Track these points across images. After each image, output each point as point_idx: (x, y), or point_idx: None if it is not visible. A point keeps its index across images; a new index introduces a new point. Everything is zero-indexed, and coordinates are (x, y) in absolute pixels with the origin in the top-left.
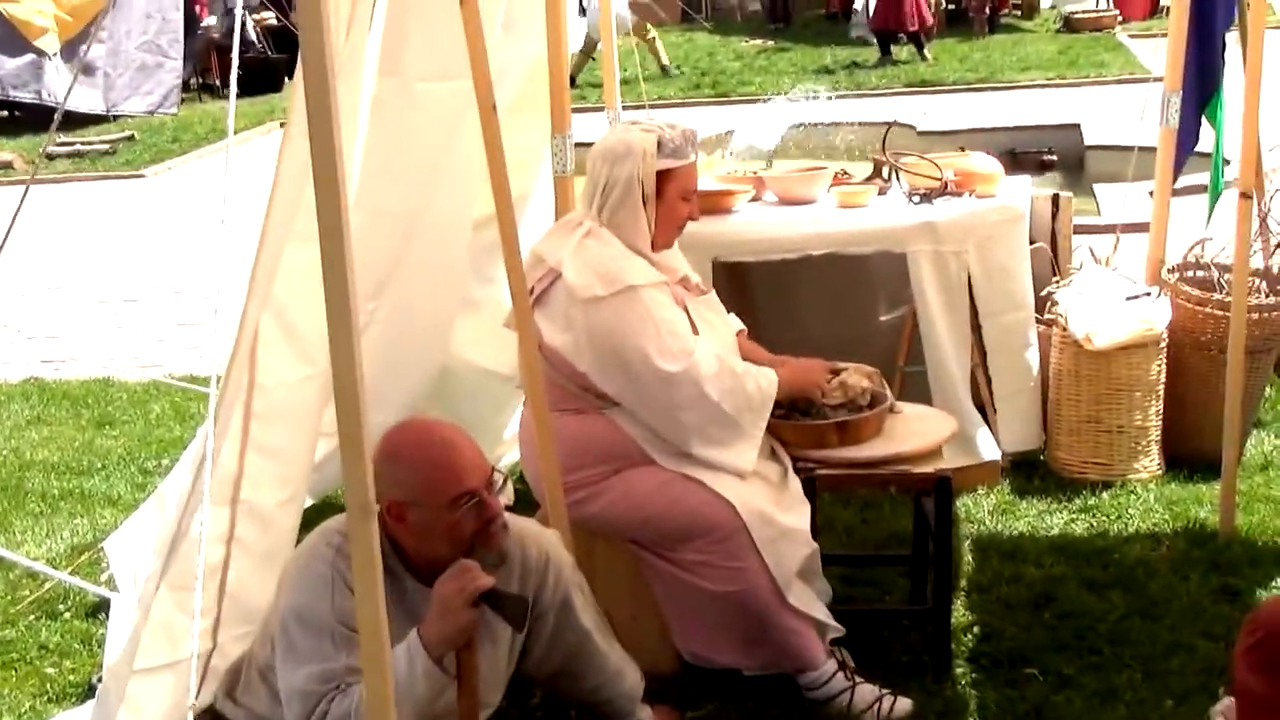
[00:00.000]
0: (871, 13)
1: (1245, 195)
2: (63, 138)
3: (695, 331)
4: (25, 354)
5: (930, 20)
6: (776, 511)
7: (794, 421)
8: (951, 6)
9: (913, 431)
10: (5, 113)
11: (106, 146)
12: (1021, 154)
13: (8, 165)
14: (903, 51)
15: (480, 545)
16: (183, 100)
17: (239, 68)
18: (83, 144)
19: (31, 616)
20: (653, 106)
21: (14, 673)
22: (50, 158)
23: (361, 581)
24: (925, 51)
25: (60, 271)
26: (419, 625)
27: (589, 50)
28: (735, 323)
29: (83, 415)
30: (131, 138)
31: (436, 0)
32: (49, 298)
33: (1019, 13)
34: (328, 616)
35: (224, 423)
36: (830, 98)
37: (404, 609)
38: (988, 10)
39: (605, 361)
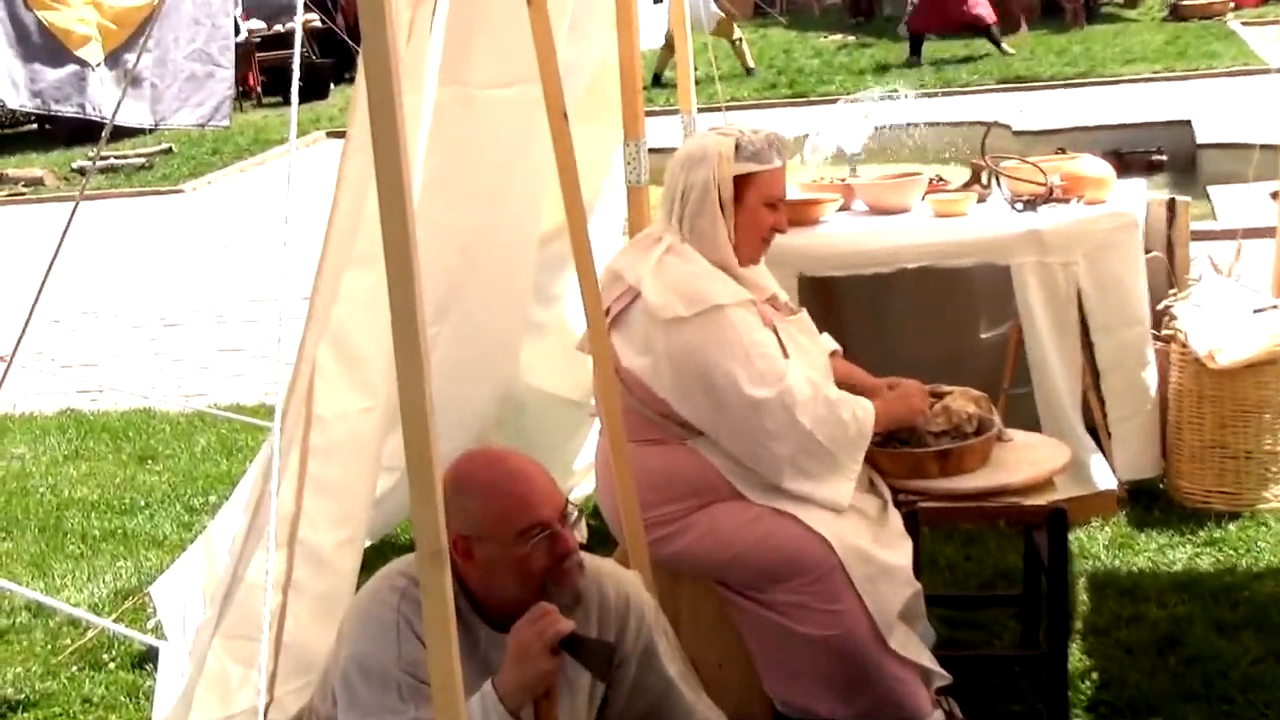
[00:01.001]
0: (909, 13)
1: None
2: (99, 151)
3: (785, 355)
4: (61, 384)
5: (990, 15)
6: (876, 548)
7: (892, 449)
8: None
9: (1022, 460)
10: (35, 126)
11: (142, 160)
12: (1127, 154)
13: (38, 182)
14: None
15: (553, 584)
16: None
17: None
18: (117, 158)
19: (74, 667)
20: (728, 109)
21: None
22: (82, 173)
23: (433, 632)
24: (1002, 45)
25: (96, 295)
26: (494, 675)
27: (672, 44)
28: (829, 343)
29: (123, 449)
30: (169, 150)
31: (500, 2)
32: (84, 323)
33: (1120, 0)
34: (393, 667)
35: (281, 460)
36: (916, 96)
37: (477, 658)
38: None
39: (688, 386)
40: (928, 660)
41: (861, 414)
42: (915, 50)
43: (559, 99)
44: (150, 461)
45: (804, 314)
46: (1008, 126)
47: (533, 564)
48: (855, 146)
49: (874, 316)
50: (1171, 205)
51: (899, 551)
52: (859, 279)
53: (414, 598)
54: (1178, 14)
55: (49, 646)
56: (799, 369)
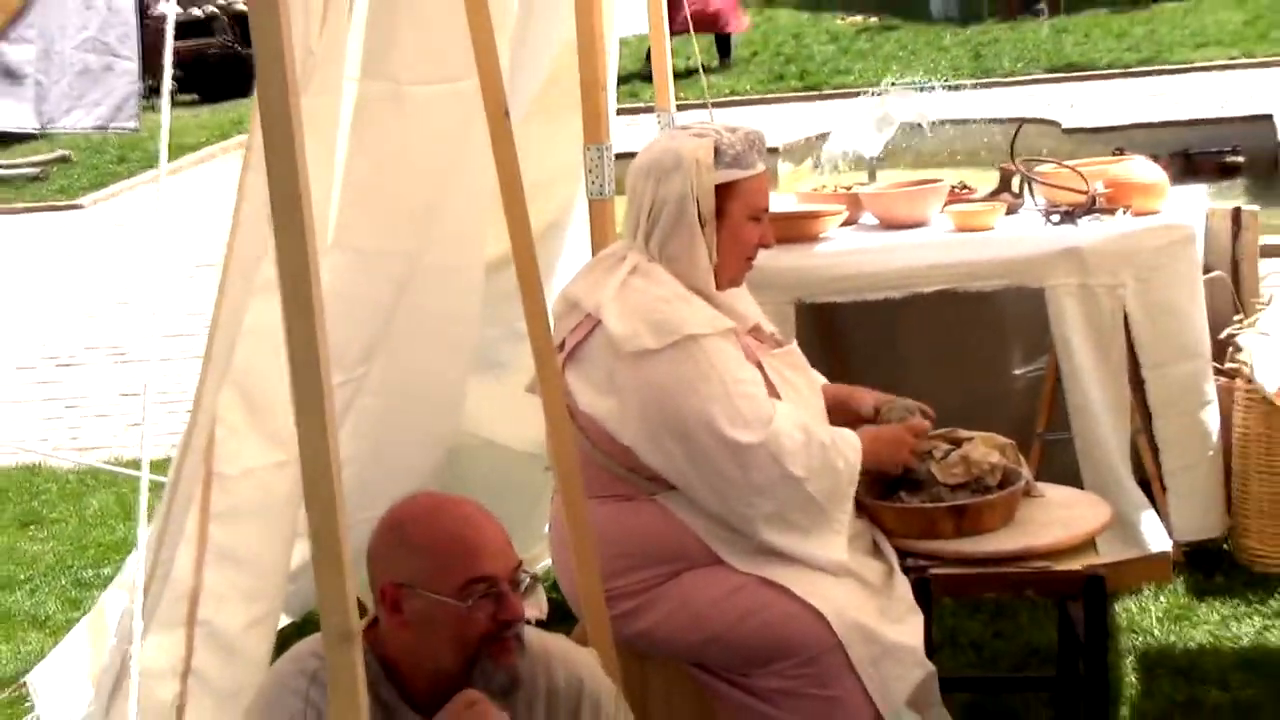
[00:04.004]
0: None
1: None
2: None
3: (774, 393)
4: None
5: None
6: (880, 623)
7: (900, 505)
8: None
9: (1054, 519)
10: None
11: (35, 170)
12: (1198, 155)
13: None
14: (1044, 27)
15: (488, 658)
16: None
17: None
18: (4, 167)
19: None
20: (719, 105)
21: None
22: None
23: (340, 709)
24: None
25: None
26: None
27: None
28: (817, 377)
29: (3, 512)
30: (66, 159)
31: None
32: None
33: None
34: None
35: (175, 524)
36: (949, 89)
37: None
38: None
39: (657, 431)
40: None
41: (853, 457)
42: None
43: (499, 93)
44: (34, 527)
45: (794, 346)
46: (1057, 124)
47: (471, 626)
48: (875, 149)
49: (885, 350)
50: (1237, 216)
51: (907, 627)
52: (866, 305)
53: (325, 681)
54: None
55: None
56: (788, 410)
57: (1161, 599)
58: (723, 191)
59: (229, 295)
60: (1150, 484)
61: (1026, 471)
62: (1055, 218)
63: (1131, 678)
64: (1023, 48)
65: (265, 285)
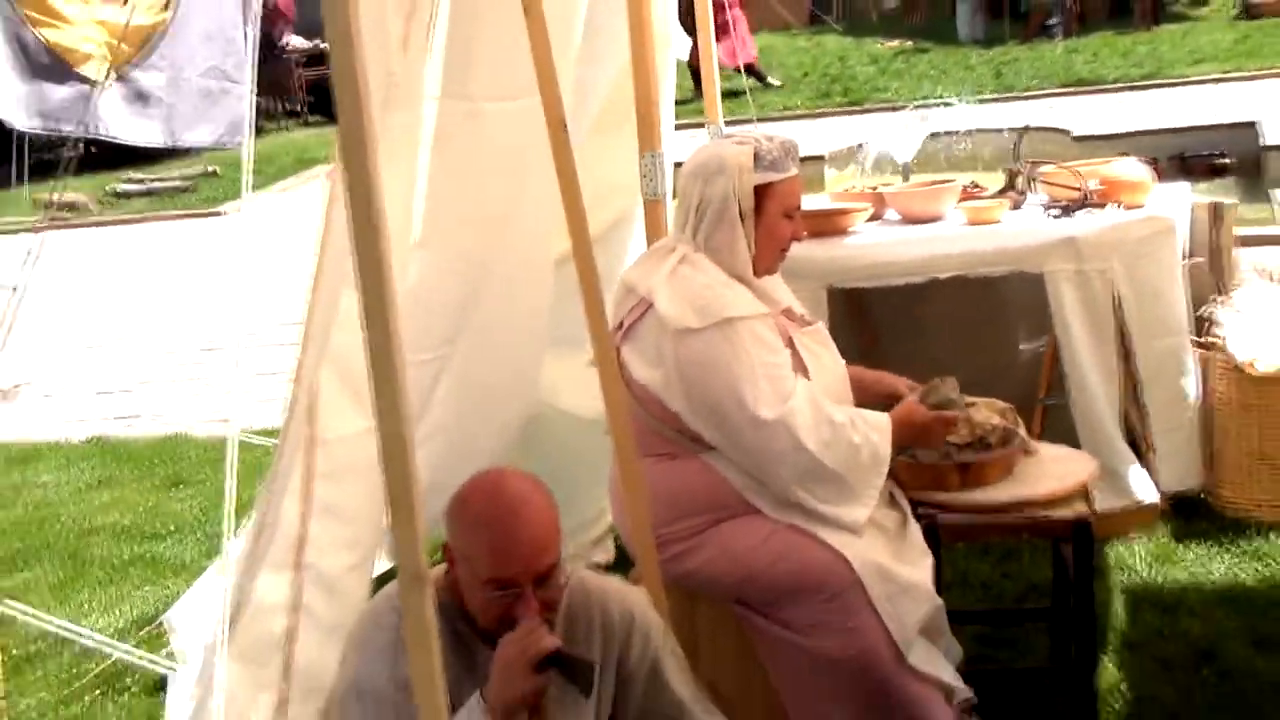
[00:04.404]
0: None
1: None
2: (136, 175)
3: (803, 366)
4: (95, 410)
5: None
6: (895, 564)
7: (912, 460)
8: None
9: (1048, 473)
10: (82, 150)
11: (184, 183)
12: (1192, 158)
13: (71, 206)
14: (1058, 48)
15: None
16: (264, 129)
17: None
18: (157, 181)
19: (96, 691)
20: (775, 119)
21: None
22: (124, 196)
23: (415, 652)
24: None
25: (132, 320)
26: (481, 688)
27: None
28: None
29: (153, 475)
30: (214, 173)
31: (503, 11)
32: (119, 349)
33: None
34: (388, 687)
35: (282, 482)
36: (971, 102)
37: (476, 675)
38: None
39: (696, 400)
40: (950, 676)
41: (877, 437)
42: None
43: (558, 109)
44: (178, 488)
45: (820, 325)
46: (1067, 132)
47: (490, 610)
48: (907, 155)
49: (906, 328)
50: (1216, 210)
51: (919, 567)
52: (892, 290)
53: None
54: (1250, 12)
55: (72, 671)
56: (805, 390)
57: (1148, 543)
58: (760, 192)
59: (324, 285)
60: (1138, 443)
61: (1023, 432)
62: (1054, 212)
63: (1120, 610)
64: (1039, 66)
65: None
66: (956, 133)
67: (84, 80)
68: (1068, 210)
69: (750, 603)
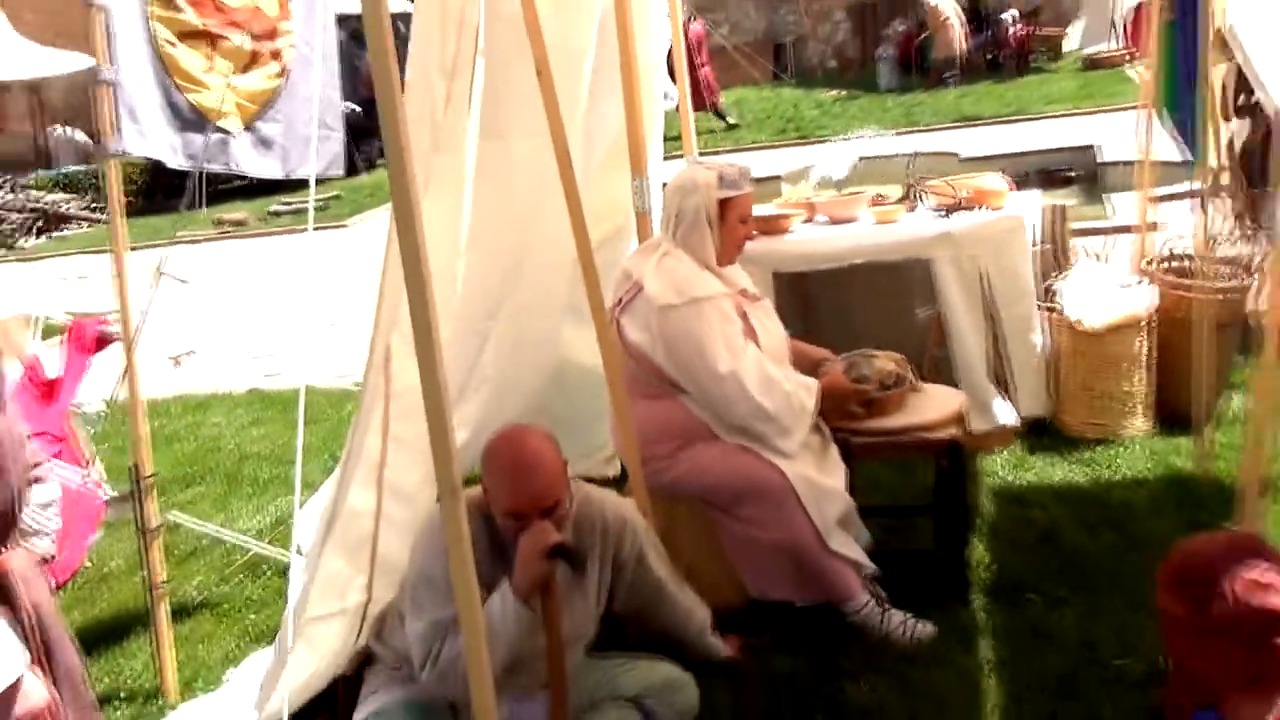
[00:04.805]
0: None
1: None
2: (286, 199)
3: (754, 333)
4: (250, 369)
5: (718, 100)
6: (818, 474)
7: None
8: (990, 57)
9: (930, 407)
10: (241, 181)
11: (320, 203)
12: (1050, 171)
13: (242, 222)
14: (952, 94)
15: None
16: (377, 164)
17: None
18: (301, 202)
19: (240, 576)
20: (740, 150)
21: (224, 621)
22: (277, 214)
23: (453, 550)
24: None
25: (278, 303)
26: (509, 575)
27: None
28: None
29: (290, 416)
30: (339, 196)
31: (525, 70)
32: (269, 325)
33: (1048, 56)
34: (444, 574)
35: (364, 419)
36: (889, 135)
37: (507, 566)
38: (1018, 58)
39: (674, 357)
40: (859, 556)
41: (805, 395)
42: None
43: (565, 148)
44: (309, 425)
45: (766, 301)
46: (955, 155)
47: (508, 530)
48: (841, 174)
49: (838, 302)
50: (1058, 210)
51: (836, 476)
52: (824, 273)
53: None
54: (1092, 64)
55: (224, 563)
56: (754, 353)
57: (1008, 455)
58: (723, 204)
59: (390, 278)
60: (1002, 381)
61: (913, 376)
62: (939, 213)
63: (987, 505)
64: (938, 107)
65: None
66: (876, 157)
67: (222, 130)
68: (948, 212)
69: (714, 503)
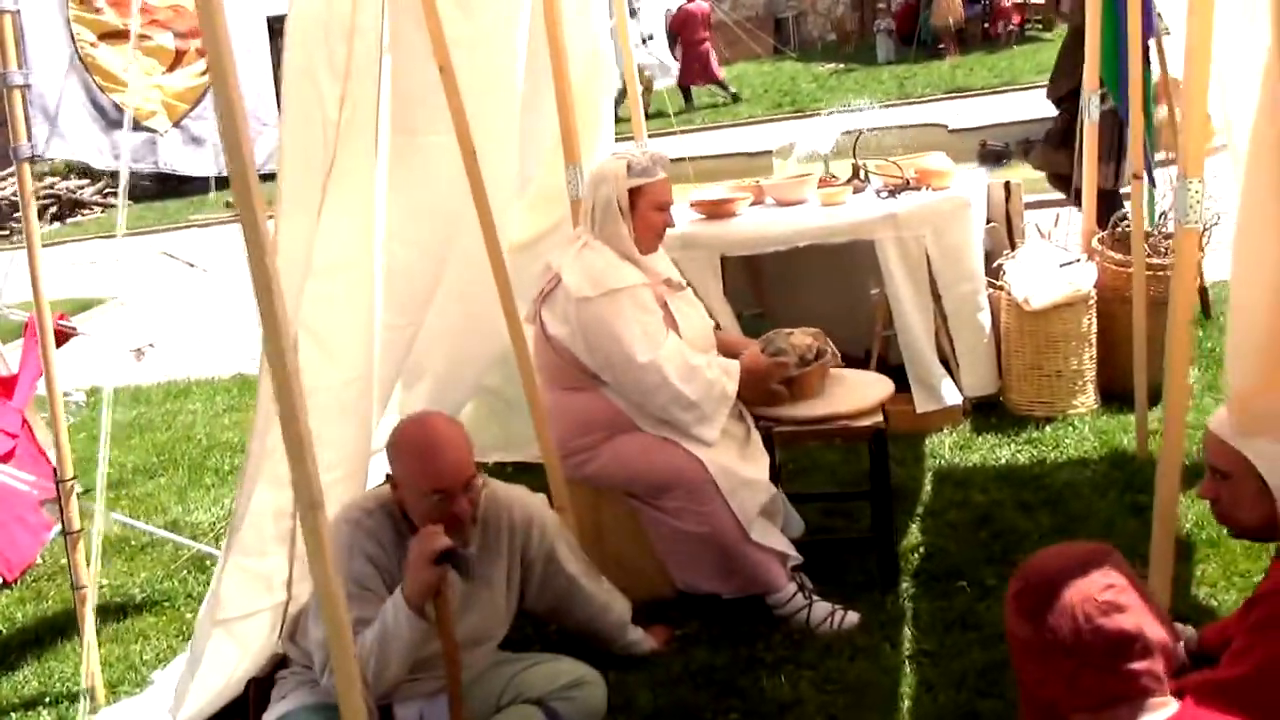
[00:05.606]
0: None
1: (1137, 176)
2: None
3: (674, 323)
4: (237, 354)
5: (718, 74)
6: (739, 465)
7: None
8: (985, 26)
9: (854, 395)
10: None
11: None
12: (1030, 141)
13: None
14: (945, 65)
15: (449, 531)
16: None
17: None
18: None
19: (185, 572)
20: (736, 125)
21: (164, 617)
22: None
23: (314, 566)
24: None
25: None
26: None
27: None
28: (708, 318)
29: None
30: None
31: (432, 67)
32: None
33: (1040, 26)
34: (344, 578)
35: (266, 422)
36: (876, 107)
37: None
38: (1010, 27)
39: (592, 348)
40: (783, 546)
41: (726, 378)
42: (687, 98)
43: (469, 141)
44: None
45: (689, 290)
46: (944, 126)
47: (431, 515)
48: (826, 148)
49: (788, 282)
50: (1007, 187)
51: (759, 466)
52: (776, 255)
53: (365, 527)
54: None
55: (173, 556)
56: (674, 341)
57: (954, 435)
58: (634, 193)
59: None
60: (947, 361)
61: (832, 347)
62: (885, 194)
63: (928, 487)
64: (931, 78)
65: (316, 271)
66: (860, 130)
67: (149, 130)
68: (894, 193)
69: (637, 495)
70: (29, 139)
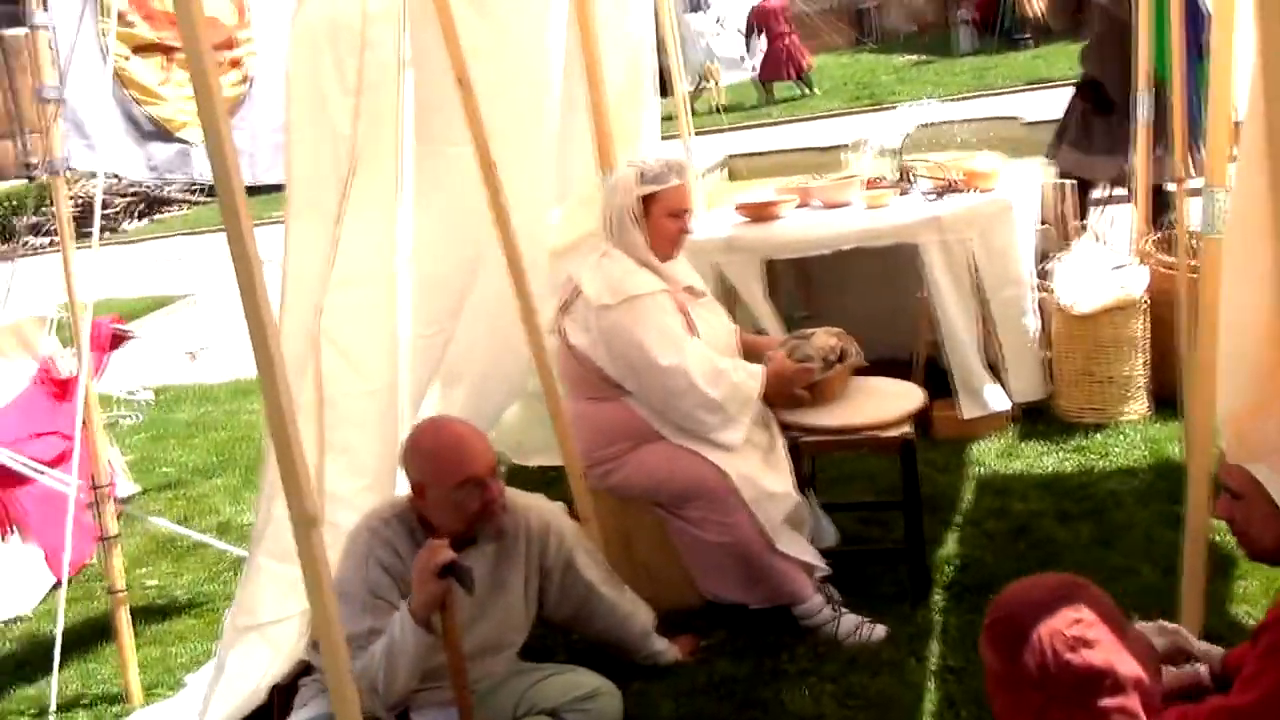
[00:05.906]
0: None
1: (1179, 179)
2: None
3: (694, 330)
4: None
5: (806, 63)
6: (763, 474)
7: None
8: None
9: (882, 405)
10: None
11: None
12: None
13: None
14: (1026, 55)
15: (482, 521)
16: None
17: None
18: None
19: (228, 573)
20: (815, 119)
21: (204, 620)
22: None
23: (309, 583)
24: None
25: None
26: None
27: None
28: (730, 323)
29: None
30: None
31: (450, 79)
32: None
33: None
34: (360, 587)
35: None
36: (946, 100)
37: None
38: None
39: (615, 356)
40: (809, 556)
41: (751, 381)
42: (769, 92)
43: (487, 154)
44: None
45: (710, 296)
46: (1018, 119)
47: (467, 507)
48: (897, 142)
49: (835, 284)
50: (1059, 188)
51: (783, 475)
52: (822, 258)
53: (382, 536)
54: None
55: (219, 559)
56: (697, 345)
57: (1001, 441)
58: (647, 200)
59: (290, 285)
60: (996, 366)
61: (855, 346)
62: (931, 196)
63: (967, 495)
64: (1009, 69)
65: (339, 283)
66: (935, 123)
67: (183, 141)
68: (939, 195)
69: (662, 504)
70: (64, 151)
